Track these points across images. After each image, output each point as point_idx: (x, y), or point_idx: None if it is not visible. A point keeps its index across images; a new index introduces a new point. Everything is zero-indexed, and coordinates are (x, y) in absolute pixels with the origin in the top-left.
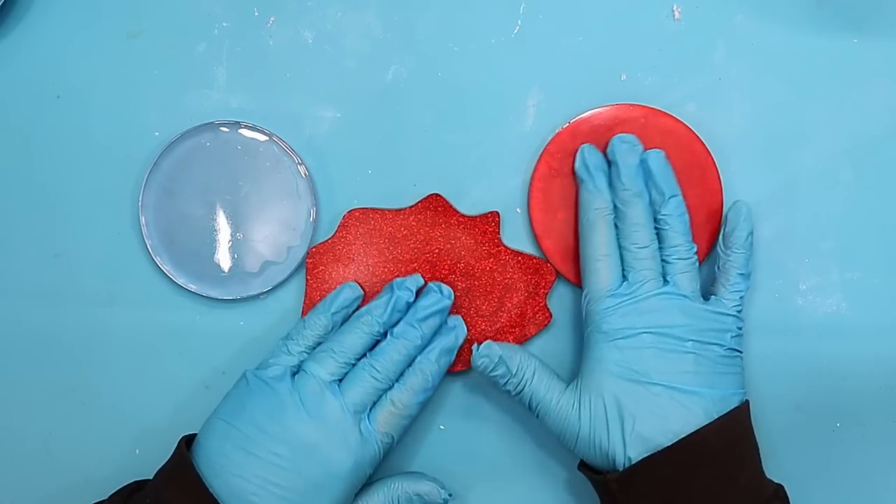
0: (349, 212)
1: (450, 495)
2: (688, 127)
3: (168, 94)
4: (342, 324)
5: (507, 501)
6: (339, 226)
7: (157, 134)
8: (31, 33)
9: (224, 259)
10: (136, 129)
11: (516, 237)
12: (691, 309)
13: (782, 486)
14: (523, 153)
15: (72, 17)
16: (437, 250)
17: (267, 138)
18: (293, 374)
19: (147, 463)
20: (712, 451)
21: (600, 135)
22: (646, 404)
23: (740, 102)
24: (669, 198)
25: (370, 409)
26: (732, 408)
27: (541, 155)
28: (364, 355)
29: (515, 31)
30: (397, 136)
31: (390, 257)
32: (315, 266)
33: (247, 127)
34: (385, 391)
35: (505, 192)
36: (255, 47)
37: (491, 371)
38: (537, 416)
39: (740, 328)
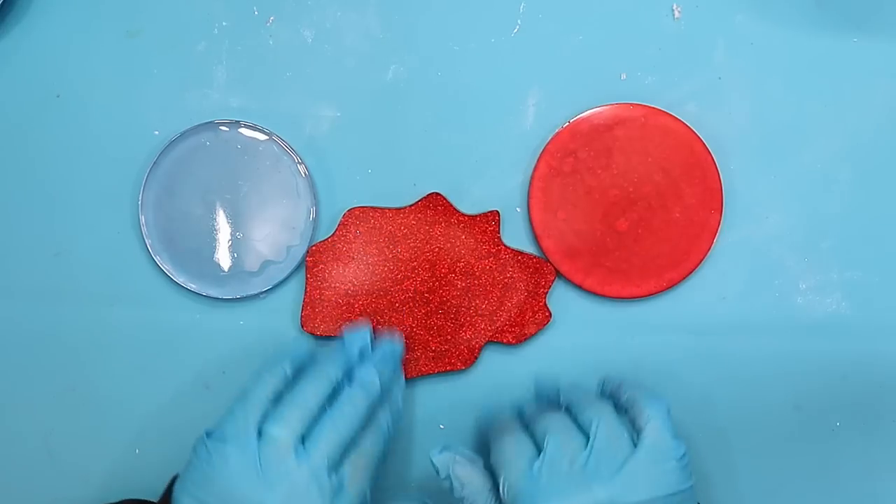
0: (349, 210)
1: None
2: (688, 126)
3: (168, 93)
4: (295, 374)
5: None
6: (339, 224)
7: (156, 133)
8: (31, 33)
9: (224, 258)
10: (136, 128)
11: (516, 237)
12: (624, 466)
13: None
14: (523, 153)
15: (72, 17)
16: (437, 249)
17: (267, 138)
18: (256, 434)
19: (146, 462)
20: None
21: (600, 134)
22: None
23: (740, 102)
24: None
25: (339, 466)
26: None
27: (541, 155)
28: (324, 407)
29: (515, 31)
30: (397, 136)
31: (390, 256)
32: (315, 265)
33: (246, 126)
34: (350, 445)
35: (505, 192)
36: (254, 47)
37: (442, 479)
38: None
39: (684, 455)
